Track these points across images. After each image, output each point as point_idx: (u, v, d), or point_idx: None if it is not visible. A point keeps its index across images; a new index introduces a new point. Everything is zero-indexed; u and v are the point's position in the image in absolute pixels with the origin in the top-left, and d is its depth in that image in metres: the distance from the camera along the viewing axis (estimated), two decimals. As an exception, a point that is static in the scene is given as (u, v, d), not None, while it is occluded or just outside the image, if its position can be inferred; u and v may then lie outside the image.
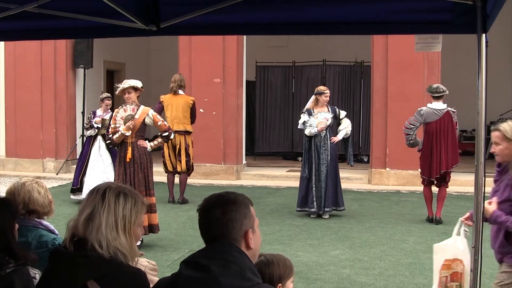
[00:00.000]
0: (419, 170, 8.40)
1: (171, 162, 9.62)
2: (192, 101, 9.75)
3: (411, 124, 8.14)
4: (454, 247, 3.70)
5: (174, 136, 9.38)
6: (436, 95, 8.05)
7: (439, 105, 8.05)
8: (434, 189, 8.30)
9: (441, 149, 8.03)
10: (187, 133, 9.61)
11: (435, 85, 8.23)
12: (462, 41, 12.21)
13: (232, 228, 2.09)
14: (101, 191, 2.24)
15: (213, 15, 3.49)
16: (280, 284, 2.59)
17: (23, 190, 3.31)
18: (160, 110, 9.42)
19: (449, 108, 8.09)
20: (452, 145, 8.12)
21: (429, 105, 8.14)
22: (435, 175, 8.08)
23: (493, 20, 3.17)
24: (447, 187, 8.30)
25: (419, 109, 8.20)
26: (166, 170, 9.69)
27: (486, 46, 3.23)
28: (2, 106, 13.72)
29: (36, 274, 2.69)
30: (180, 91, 9.63)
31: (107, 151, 9.22)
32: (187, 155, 9.63)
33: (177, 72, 10.70)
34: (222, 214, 2.10)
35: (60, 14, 3.55)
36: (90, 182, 8.90)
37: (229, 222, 2.09)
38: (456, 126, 8.17)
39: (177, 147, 9.53)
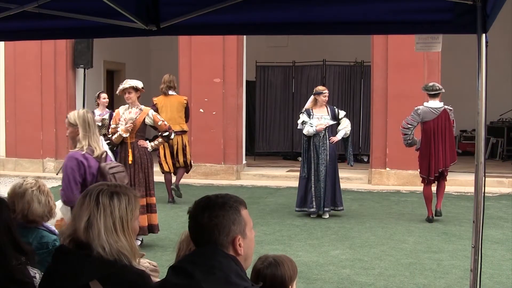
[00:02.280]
0: (418, 169, 8.40)
1: (166, 163, 9.61)
2: (186, 100, 9.77)
3: (408, 123, 8.14)
4: (59, 210, 4.28)
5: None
6: (432, 93, 8.06)
7: (436, 104, 8.05)
8: (434, 189, 8.30)
9: (439, 148, 8.03)
10: (183, 132, 9.61)
11: (430, 84, 8.23)
12: (462, 41, 12.20)
13: (219, 234, 2.05)
14: (94, 196, 2.21)
15: (213, 15, 3.49)
16: (291, 285, 2.62)
17: (23, 201, 3.23)
18: None
19: (445, 106, 8.08)
20: (450, 143, 8.13)
21: (425, 103, 8.13)
22: (434, 174, 8.08)
23: (493, 20, 3.17)
24: (446, 180, 8.31)
25: (415, 108, 8.19)
26: (163, 171, 9.68)
27: (486, 46, 3.24)
28: (2, 106, 13.72)
29: (36, 273, 2.69)
30: (171, 92, 9.60)
31: (109, 151, 9.17)
32: (185, 154, 9.64)
33: (177, 72, 10.71)
34: (208, 220, 2.06)
35: (60, 14, 3.55)
36: None
37: (215, 228, 2.05)
38: (453, 124, 8.16)
39: (175, 147, 9.53)
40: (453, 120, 8.14)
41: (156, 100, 9.64)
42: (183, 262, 2.09)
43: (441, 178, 8.21)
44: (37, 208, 3.26)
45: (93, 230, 2.16)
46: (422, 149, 8.18)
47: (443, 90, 8.12)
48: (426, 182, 8.22)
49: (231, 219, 2.07)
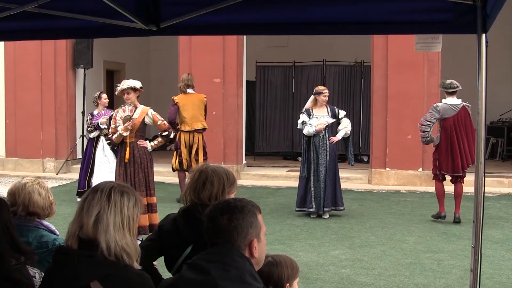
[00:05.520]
0: (429, 166, 8.18)
1: (186, 161, 9.49)
2: (206, 98, 9.70)
3: (427, 120, 8.05)
4: None
5: (193, 135, 9.31)
6: (450, 91, 8.01)
7: (454, 100, 7.99)
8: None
9: (464, 144, 7.92)
10: (204, 130, 9.55)
11: (448, 81, 8.15)
12: (462, 41, 12.20)
13: (237, 236, 2.13)
14: (106, 191, 2.23)
15: (213, 15, 3.50)
16: (288, 284, 2.63)
17: (23, 192, 3.27)
18: (176, 111, 9.33)
19: (464, 103, 8.03)
20: (473, 139, 8.01)
21: (444, 101, 8.07)
22: (462, 170, 7.99)
23: (493, 20, 3.17)
24: (463, 183, 8.20)
25: (434, 105, 8.13)
26: (178, 169, 9.48)
27: (486, 46, 3.24)
28: (2, 106, 13.72)
29: (35, 273, 2.69)
30: (190, 90, 9.55)
31: (111, 151, 9.13)
32: (205, 153, 9.52)
33: (177, 72, 10.70)
34: (227, 222, 2.13)
35: (60, 14, 3.56)
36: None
37: (233, 231, 2.13)
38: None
39: (195, 146, 9.37)
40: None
41: (177, 98, 9.46)
42: (198, 259, 2.13)
43: (458, 179, 8.12)
44: (38, 200, 3.29)
45: (102, 224, 2.17)
46: (442, 146, 8.05)
47: (460, 88, 8.04)
48: (441, 178, 8.15)
49: (248, 222, 2.15)
